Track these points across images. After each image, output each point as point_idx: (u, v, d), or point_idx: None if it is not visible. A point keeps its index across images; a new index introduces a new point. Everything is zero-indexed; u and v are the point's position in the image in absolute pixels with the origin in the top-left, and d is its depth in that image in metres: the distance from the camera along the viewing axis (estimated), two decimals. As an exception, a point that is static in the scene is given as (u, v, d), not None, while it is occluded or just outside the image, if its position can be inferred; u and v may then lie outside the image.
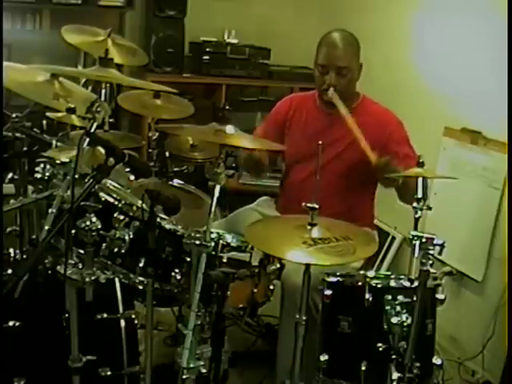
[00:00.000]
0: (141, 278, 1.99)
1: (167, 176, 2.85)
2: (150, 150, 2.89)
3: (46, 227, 1.80)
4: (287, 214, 2.46)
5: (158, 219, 2.00)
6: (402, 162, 2.35)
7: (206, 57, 4.13)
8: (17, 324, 2.06)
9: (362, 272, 2.10)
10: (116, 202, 2.06)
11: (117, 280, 2.19)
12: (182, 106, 2.87)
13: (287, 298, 2.31)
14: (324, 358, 1.99)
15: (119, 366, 2.14)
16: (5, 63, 2.18)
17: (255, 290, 2.10)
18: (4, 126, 2.37)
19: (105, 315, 2.15)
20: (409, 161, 2.33)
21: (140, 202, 2.01)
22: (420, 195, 2.01)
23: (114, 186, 2.19)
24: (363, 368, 1.94)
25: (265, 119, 2.83)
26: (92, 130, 1.79)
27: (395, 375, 1.85)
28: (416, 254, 1.87)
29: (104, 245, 1.96)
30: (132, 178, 2.37)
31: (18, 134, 2.40)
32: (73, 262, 1.84)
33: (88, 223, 1.80)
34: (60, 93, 2.22)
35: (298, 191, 2.50)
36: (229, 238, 2.07)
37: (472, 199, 3.04)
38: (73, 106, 2.24)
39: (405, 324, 1.87)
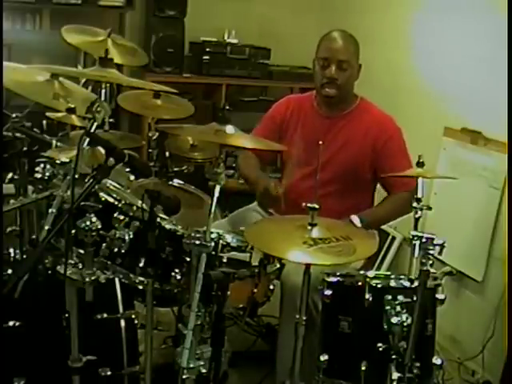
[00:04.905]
0: (141, 278, 1.99)
1: (167, 176, 2.84)
2: (150, 150, 2.88)
3: (46, 227, 1.80)
4: (285, 215, 2.46)
5: (158, 219, 2.00)
6: (387, 176, 2.43)
7: (206, 57, 4.13)
8: (17, 324, 2.06)
9: (361, 272, 2.10)
10: (116, 202, 2.06)
11: (117, 280, 2.19)
12: (182, 106, 2.86)
13: (287, 298, 2.31)
14: (324, 358, 1.98)
15: (119, 366, 2.14)
16: (5, 63, 2.19)
17: (255, 290, 2.10)
18: (4, 125, 2.38)
19: (105, 315, 2.15)
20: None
21: (140, 202, 2.01)
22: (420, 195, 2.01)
23: (114, 186, 2.19)
24: (363, 368, 1.93)
25: (261, 121, 2.79)
26: (92, 130, 1.79)
27: (395, 375, 1.84)
28: (416, 254, 1.87)
29: (104, 245, 1.96)
30: (132, 178, 2.37)
31: (18, 134, 2.40)
32: (73, 262, 1.84)
33: (88, 223, 1.80)
34: (60, 93, 2.22)
35: (296, 193, 2.49)
36: (229, 237, 2.07)
37: (472, 199, 3.04)
38: (73, 106, 2.24)
39: (405, 324, 1.87)
